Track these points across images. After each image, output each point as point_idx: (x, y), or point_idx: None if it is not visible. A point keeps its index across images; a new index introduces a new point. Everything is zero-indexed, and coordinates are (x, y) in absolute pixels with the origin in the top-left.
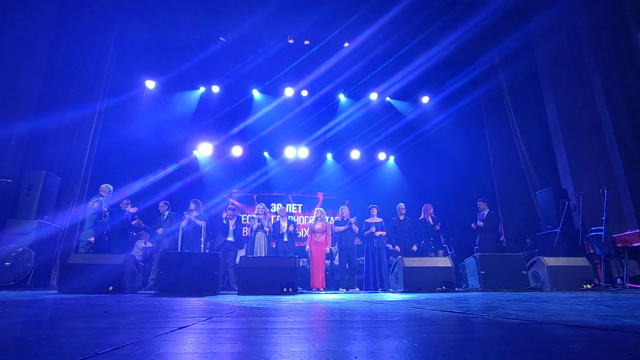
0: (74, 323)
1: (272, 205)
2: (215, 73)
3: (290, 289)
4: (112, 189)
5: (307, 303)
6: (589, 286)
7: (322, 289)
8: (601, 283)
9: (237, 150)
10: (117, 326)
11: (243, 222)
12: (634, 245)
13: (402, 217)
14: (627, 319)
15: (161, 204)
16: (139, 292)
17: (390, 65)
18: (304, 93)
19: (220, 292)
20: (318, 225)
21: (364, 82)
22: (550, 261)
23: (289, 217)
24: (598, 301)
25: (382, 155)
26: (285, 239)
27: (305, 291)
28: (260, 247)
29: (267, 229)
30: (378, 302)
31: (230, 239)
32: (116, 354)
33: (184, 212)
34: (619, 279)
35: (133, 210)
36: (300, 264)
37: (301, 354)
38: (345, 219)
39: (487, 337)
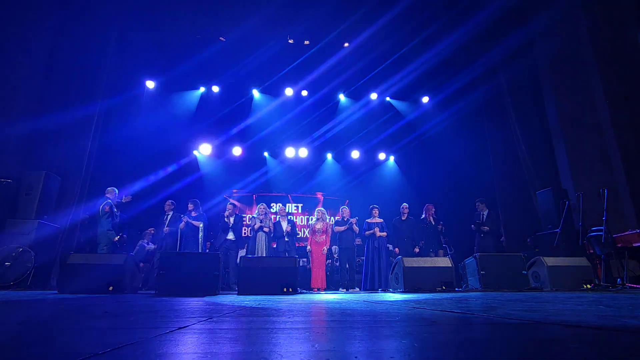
0: (73, 323)
1: (272, 205)
2: (215, 73)
3: (290, 289)
4: (117, 191)
5: (307, 303)
6: (589, 286)
7: (322, 289)
8: (601, 283)
9: (237, 150)
10: (117, 326)
11: (244, 223)
12: (634, 245)
13: (404, 217)
14: (627, 319)
15: (167, 203)
16: (139, 292)
17: (390, 65)
18: (304, 93)
19: (220, 292)
20: (319, 226)
21: (364, 82)
22: (550, 261)
23: (289, 217)
24: (598, 301)
25: (382, 155)
26: (286, 239)
27: (305, 291)
28: (261, 247)
29: (267, 229)
30: (378, 302)
31: (230, 236)
32: (116, 354)
33: (181, 216)
34: (619, 279)
35: (127, 199)
36: (301, 264)
37: (301, 354)
38: (345, 219)
39: (488, 337)
